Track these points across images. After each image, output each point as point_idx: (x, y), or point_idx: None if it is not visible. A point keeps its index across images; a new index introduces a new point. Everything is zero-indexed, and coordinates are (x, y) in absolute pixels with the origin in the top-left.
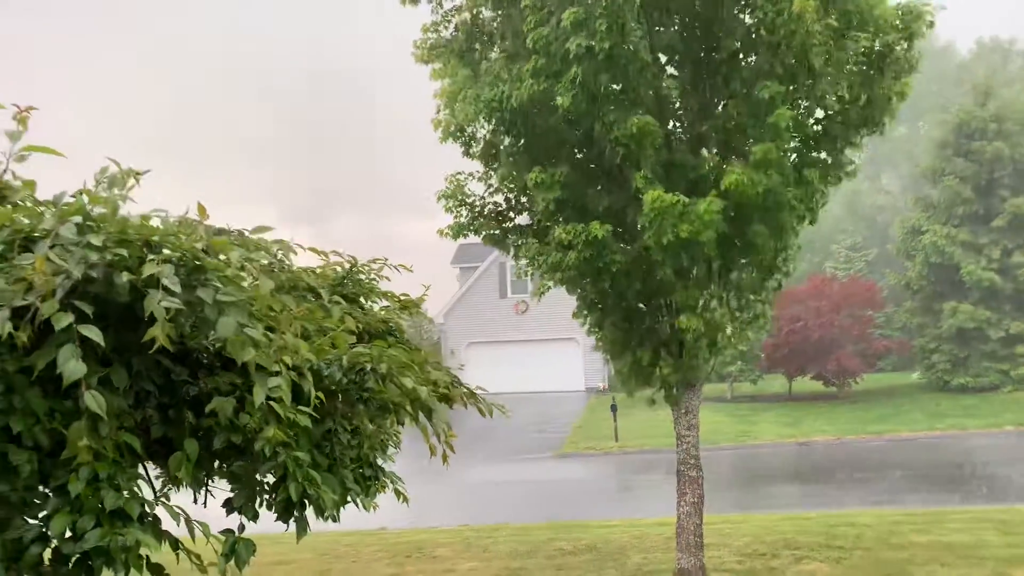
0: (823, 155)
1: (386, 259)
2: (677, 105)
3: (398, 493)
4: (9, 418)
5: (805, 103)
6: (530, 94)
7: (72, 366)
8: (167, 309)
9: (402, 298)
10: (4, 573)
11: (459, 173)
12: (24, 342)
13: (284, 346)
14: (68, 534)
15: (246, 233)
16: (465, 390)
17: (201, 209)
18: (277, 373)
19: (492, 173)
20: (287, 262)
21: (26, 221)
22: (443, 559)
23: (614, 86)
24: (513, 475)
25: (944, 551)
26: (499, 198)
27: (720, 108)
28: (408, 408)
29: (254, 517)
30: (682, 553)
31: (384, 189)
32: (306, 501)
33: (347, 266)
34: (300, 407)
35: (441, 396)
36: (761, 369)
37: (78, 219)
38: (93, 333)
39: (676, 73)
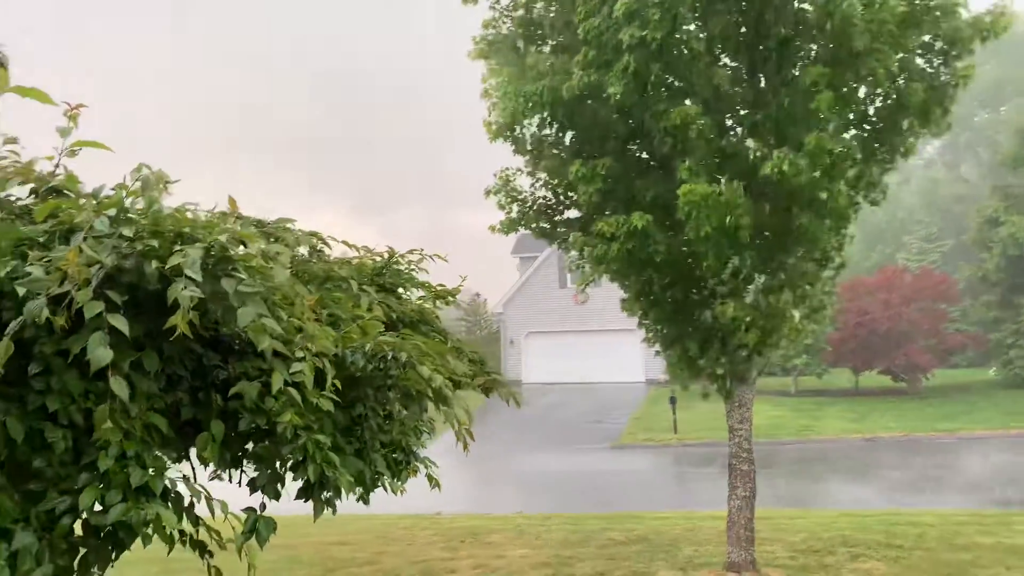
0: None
1: (422, 249)
2: (732, 95)
3: (430, 478)
4: (46, 398)
5: (856, 88)
6: (581, 85)
7: (100, 352)
8: (190, 298)
9: (437, 288)
10: (38, 543)
11: (507, 169)
12: (62, 326)
13: (311, 334)
14: (97, 508)
15: (283, 226)
16: (489, 379)
17: (232, 202)
18: (301, 359)
19: (538, 168)
20: (327, 252)
21: (71, 213)
22: (495, 545)
23: (666, 76)
24: (569, 465)
25: (1009, 554)
26: (547, 192)
27: (772, 96)
28: (430, 395)
29: (276, 496)
30: (732, 547)
31: (448, 182)
32: (325, 483)
33: (385, 257)
34: (324, 392)
35: (460, 384)
36: (827, 363)
37: (112, 212)
38: (120, 322)
39: (729, 62)
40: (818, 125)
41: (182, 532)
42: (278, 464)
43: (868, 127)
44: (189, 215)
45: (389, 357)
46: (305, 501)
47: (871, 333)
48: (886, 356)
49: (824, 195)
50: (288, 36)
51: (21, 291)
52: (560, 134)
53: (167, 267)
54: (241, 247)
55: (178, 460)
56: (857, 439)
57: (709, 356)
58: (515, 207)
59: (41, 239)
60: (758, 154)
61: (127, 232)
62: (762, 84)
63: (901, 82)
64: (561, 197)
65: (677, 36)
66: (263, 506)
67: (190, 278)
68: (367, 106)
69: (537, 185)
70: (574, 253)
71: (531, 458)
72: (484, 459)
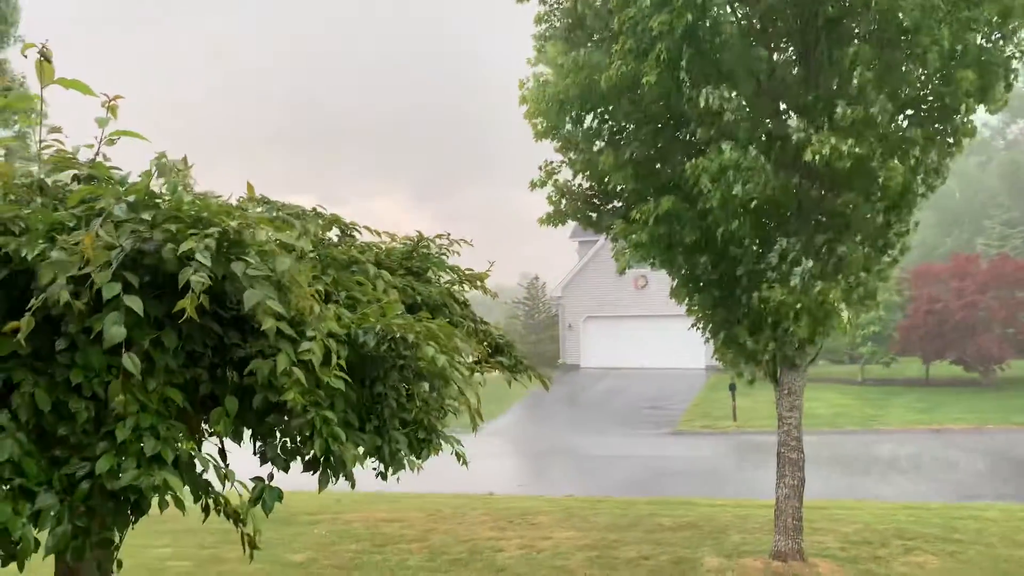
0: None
1: (449, 234)
2: (776, 78)
3: (459, 456)
4: (71, 372)
5: (905, 67)
6: (618, 75)
7: (115, 331)
8: (202, 281)
9: (465, 272)
10: (59, 504)
11: (551, 162)
12: (81, 308)
13: (316, 315)
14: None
15: (299, 211)
16: (512, 362)
17: (250, 188)
18: (312, 338)
19: (577, 160)
20: (356, 235)
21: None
22: (542, 526)
23: (702, 62)
24: (625, 450)
25: None
26: (592, 182)
27: (819, 78)
28: (447, 375)
29: (285, 468)
30: (779, 535)
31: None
32: (331, 457)
33: (414, 241)
34: (335, 371)
35: (471, 368)
36: (895, 352)
37: (131, 198)
38: (135, 303)
39: (773, 46)
40: (861, 103)
41: (216, 502)
42: (288, 438)
43: (924, 107)
44: (210, 201)
45: (397, 338)
46: (313, 474)
47: (942, 321)
48: (958, 345)
49: (880, 177)
50: (345, 22)
51: (46, 272)
52: (601, 125)
53: (180, 251)
54: (253, 232)
55: (196, 432)
56: (924, 430)
57: (757, 341)
58: (562, 200)
59: (71, 224)
60: (801, 136)
61: (146, 217)
62: (810, 65)
63: (955, 60)
64: (605, 187)
65: (704, 21)
66: (271, 476)
67: (199, 262)
68: (426, 92)
69: (582, 176)
70: (620, 242)
71: (587, 442)
72: (540, 442)
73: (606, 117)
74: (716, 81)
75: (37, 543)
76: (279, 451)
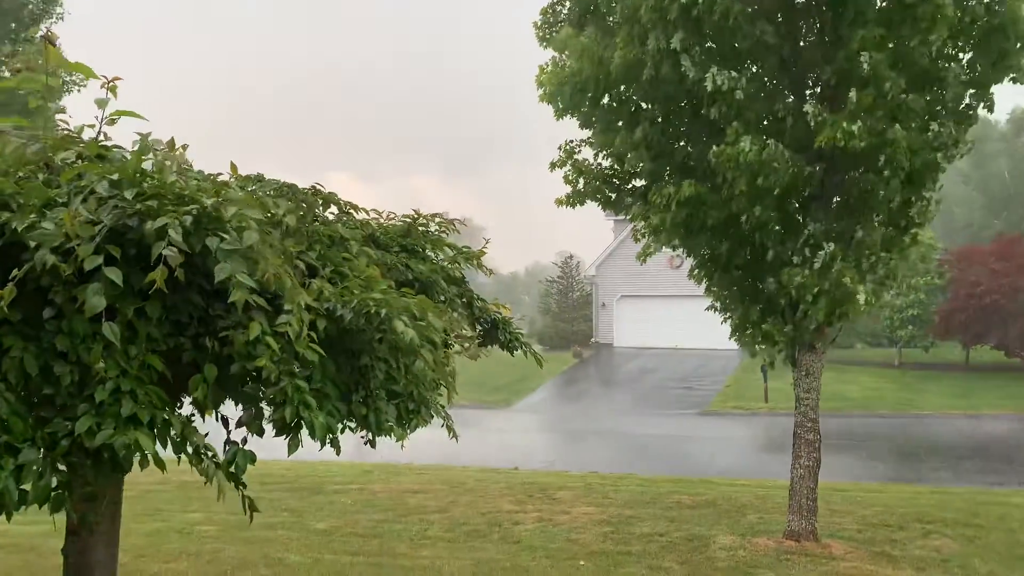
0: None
1: (446, 213)
2: (784, 59)
3: (449, 430)
4: (57, 338)
5: (912, 43)
6: (624, 63)
7: (94, 300)
8: (174, 255)
9: (463, 249)
10: (41, 459)
11: (571, 142)
12: (67, 276)
13: (297, 289)
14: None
15: (284, 186)
16: (467, 338)
17: (233, 168)
18: (289, 311)
19: (596, 141)
20: (351, 212)
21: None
22: (562, 501)
23: (706, 45)
24: (654, 429)
25: None
26: (611, 162)
27: (826, 59)
28: (412, 349)
29: (259, 432)
30: (793, 516)
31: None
32: (300, 423)
33: (412, 220)
34: (311, 343)
35: (448, 343)
36: (934, 335)
37: (115, 176)
38: (114, 274)
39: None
40: (873, 85)
41: (218, 464)
42: (264, 405)
43: (938, 80)
44: (192, 180)
45: (372, 312)
46: (285, 438)
47: (984, 305)
48: (1000, 330)
49: (895, 156)
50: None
51: (32, 243)
52: (619, 106)
53: (155, 227)
54: (232, 208)
55: (178, 398)
56: (960, 415)
57: (773, 323)
58: (581, 180)
59: (63, 200)
60: (818, 119)
61: (128, 195)
62: (819, 47)
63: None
64: (623, 167)
65: (695, 8)
66: (244, 440)
67: (172, 237)
68: (458, 74)
69: (601, 156)
70: (640, 223)
71: (617, 420)
72: (570, 419)
73: (622, 98)
74: (723, 63)
75: (23, 497)
76: (252, 417)
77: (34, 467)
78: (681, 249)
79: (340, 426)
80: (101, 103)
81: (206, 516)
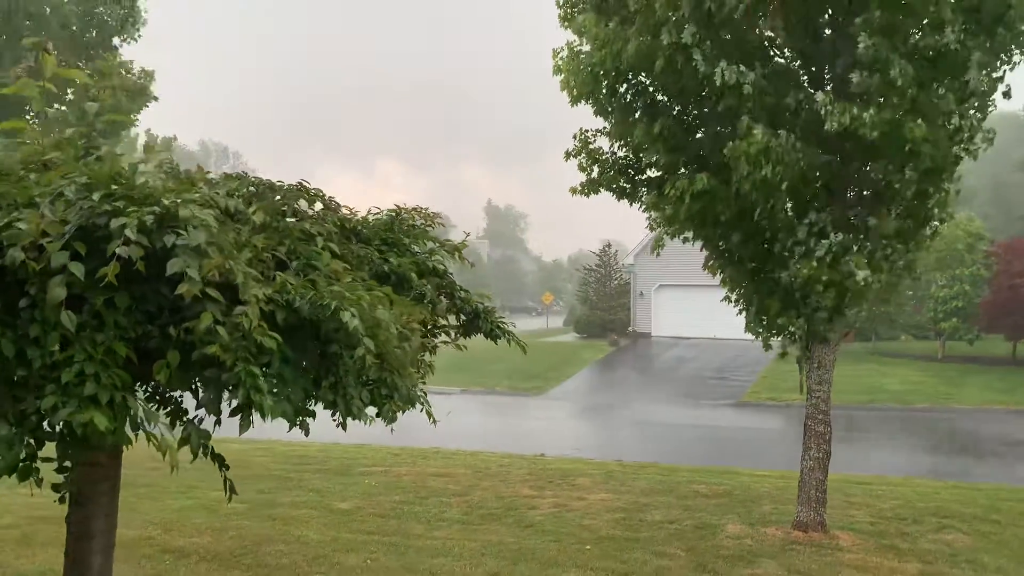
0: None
1: (427, 208)
2: (791, 50)
3: (429, 415)
4: (31, 326)
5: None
6: (637, 53)
7: (56, 292)
8: (127, 252)
9: (445, 243)
10: (11, 433)
11: (586, 130)
12: (43, 268)
13: (248, 282)
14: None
15: (255, 183)
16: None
17: (200, 169)
18: (247, 303)
19: (613, 131)
20: (335, 208)
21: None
22: (580, 488)
23: (709, 41)
24: (686, 419)
25: None
26: (627, 152)
27: (832, 48)
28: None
29: (216, 412)
30: (802, 507)
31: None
32: (252, 405)
33: (395, 214)
34: (266, 331)
35: (401, 336)
36: (981, 328)
37: (84, 179)
38: (77, 269)
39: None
40: (878, 70)
41: (205, 445)
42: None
43: (957, 67)
44: (158, 181)
45: (324, 304)
46: (242, 419)
47: None
48: None
49: (909, 144)
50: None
51: (6, 240)
52: (635, 97)
53: (113, 226)
54: (185, 209)
55: (145, 381)
56: (1001, 410)
57: (786, 315)
58: (596, 168)
59: (40, 199)
60: (828, 108)
61: (95, 197)
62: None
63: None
64: (639, 157)
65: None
66: (200, 420)
67: (128, 235)
68: (506, 52)
69: (617, 145)
70: (654, 214)
71: (650, 409)
72: (603, 408)
73: (639, 89)
74: (732, 57)
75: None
76: (210, 399)
77: (6, 440)
78: (693, 241)
79: (310, 409)
80: (91, 109)
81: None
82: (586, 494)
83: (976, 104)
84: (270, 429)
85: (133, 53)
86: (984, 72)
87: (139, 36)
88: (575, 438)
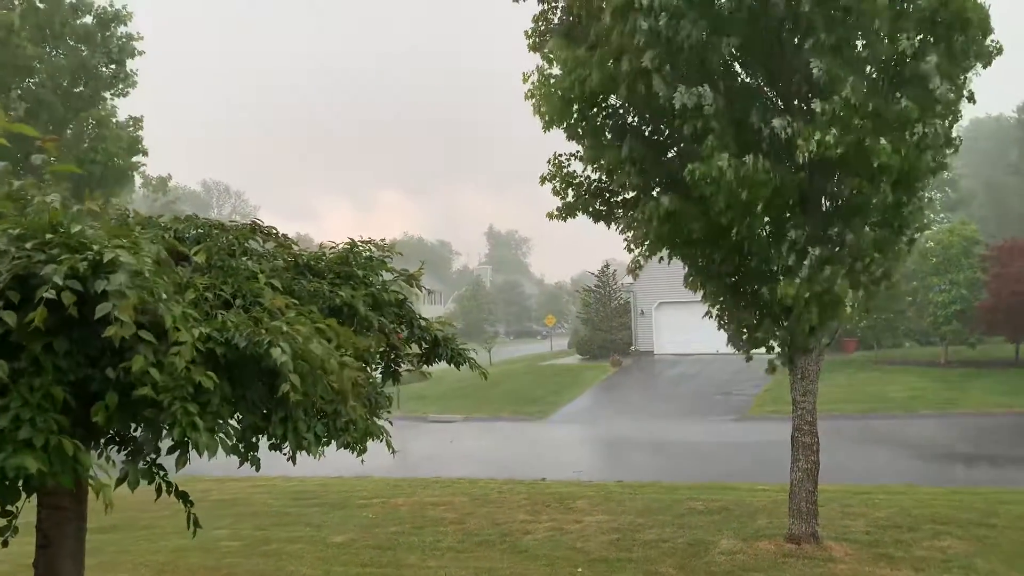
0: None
1: (383, 239)
2: (752, 74)
3: (388, 445)
4: None
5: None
6: (600, 79)
7: None
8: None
9: (401, 272)
10: None
11: (560, 155)
12: None
13: (175, 324)
14: None
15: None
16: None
17: (136, 213)
18: (183, 343)
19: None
20: (288, 246)
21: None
22: (577, 510)
23: (668, 65)
24: (690, 436)
25: None
26: (601, 174)
27: (788, 71)
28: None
29: (154, 451)
30: (793, 519)
31: None
32: (187, 442)
33: (348, 248)
34: (202, 370)
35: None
36: (982, 332)
37: (16, 231)
38: (9, 317)
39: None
40: (836, 92)
41: (168, 484)
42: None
43: (916, 78)
44: (89, 231)
45: (258, 341)
46: (179, 457)
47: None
48: None
49: (877, 160)
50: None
51: None
52: (605, 120)
53: (41, 273)
54: (114, 255)
55: (77, 424)
56: (1004, 413)
57: (764, 328)
58: (571, 192)
59: None
60: (788, 132)
61: (27, 247)
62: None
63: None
64: (612, 180)
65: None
66: (147, 460)
67: (55, 282)
68: (505, 85)
69: (591, 168)
70: (630, 234)
71: (654, 428)
72: (605, 429)
73: (610, 112)
74: (691, 81)
75: None
76: (148, 438)
77: None
78: (669, 260)
79: (254, 443)
80: (44, 162)
81: (232, 532)
82: (582, 516)
83: (939, 112)
84: (273, 466)
85: (129, 99)
86: (944, 80)
87: (128, 92)
88: (577, 461)
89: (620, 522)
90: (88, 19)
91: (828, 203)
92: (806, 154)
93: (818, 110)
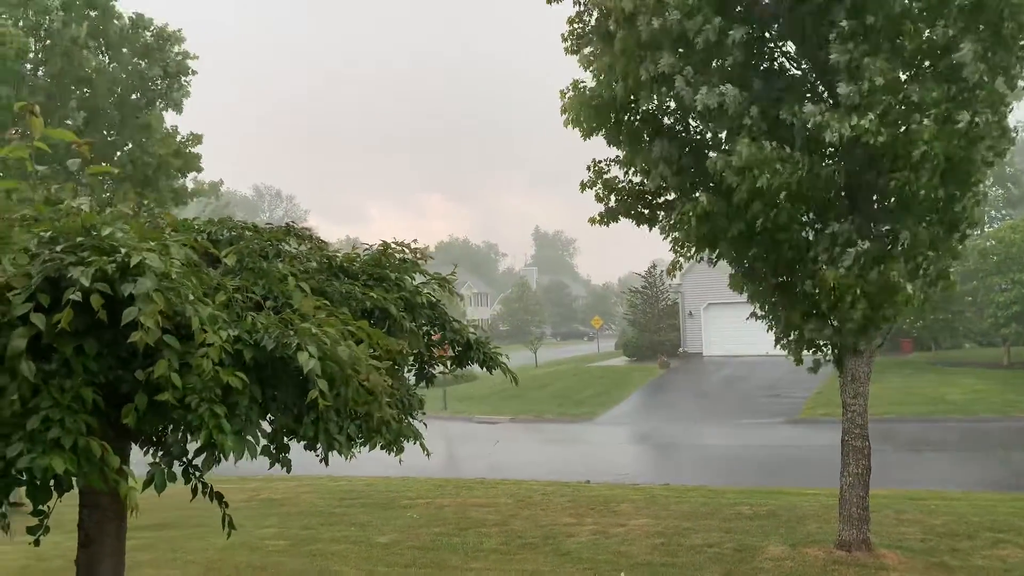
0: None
1: (415, 240)
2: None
3: (422, 446)
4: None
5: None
6: (625, 88)
7: (16, 343)
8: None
9: (435, 275)
10: None
11: (600, 161)
12: (4, 321)
13: (208, 326)
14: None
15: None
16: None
17: (168, 216)
18: (210, 345)
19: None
20: (322, 247)
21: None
22: (621, 514)
23: (689, 67)
24: (738, 439)
25: None
26: (641, 179)
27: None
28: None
29: (182, 454)
30: (844, 525)
31: None
32: (214, 445)
33: (381, 250)
34: (233, 372)
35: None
36: None
37: (47, 233)
38: (38, 320)
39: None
40: (863, 78)
41: (204, 484)
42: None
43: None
44: (119, 233)
45: (285, 343)
46: (206, 459)
47: None
48: None
49: (918, 149)
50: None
51: None
52: (642, 125)
53: (68, 276)
54: (136, 258)
55: (110, 426)
56: None
57: (812, 328)
58: (612, 197)
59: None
60: (818, 120)
61: (58, 249)
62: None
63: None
64: (649, 183)
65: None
66: (170, 462)
67: (82, 283)
68: (545, 88)
69: (631, 173)
70: (675, 235)
71: (701, 431)
72: (652, 431)
73: (644, 116)
74: (715, 79)
75: None
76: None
77: None
78: (713, 261)
79: (286, 444)
80: (74, 164)
81: (279, 531)
82: (627, 520)
83: (982, 99)
84: (320, 466)
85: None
86: (985, 68)
87: (183, 101)
88: (623, 464)
89: (665, 526)
90: (147, 35)
91: (876, 198)
92: (834, 136)
93: (842, 93)
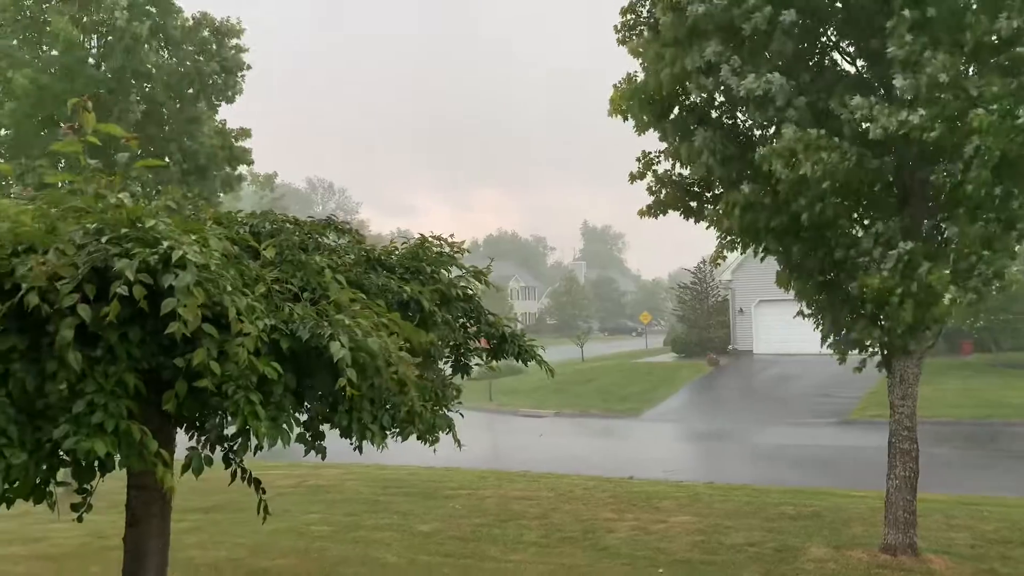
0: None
1: (453, 234)
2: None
3: (455, 437)
4: (48, 362)
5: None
6: (671, 76)
7: (64, 333)
8: (124, 290)
9: (471, 268)
10: (27, 461)
11: (649, 153)
12: (50, 312)
13: (243, 316)
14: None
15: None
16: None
17: (208, 209)
18: (247, 334)
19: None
20: (360, 241)
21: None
22: (663, 510)
23: (736, 56)
24: (787, 439)
25: None
26: (688, 170)
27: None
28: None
29: (219, 440)
30: (889, 529)
31: None
32: (248, 431)
33: (419, 243)
34: (269, 361)
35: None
36: None
37: (93, 224)
38: (84, 311)
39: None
40: (919, 70)
41: (243, 470)
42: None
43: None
44: (162, 225)
45: (319, 333)
46: (241, 443)
47: None
48: None
49: (975, 141)
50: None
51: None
52: (689, 115)
53: (115, 268)
54: (183, 251)
55: (152, 411)
56: None
57: (860, 328)
58: (663, 190)
59: (60, 247)
60: (865, 112)
61: (102, 240)
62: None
63: None
64: (692, 173)
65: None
66: (204, 445)
67: (127, 276)
68: (601, 83)
69: (680, 165)
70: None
71: (749, 429)
72: (699, 429)
73: (692, 107)
74: (761, 67)
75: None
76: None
77: (24, 467)
78: (760, 254)
79: (321, 432)
80: (121, 159)
81: (324, 517)
82: (667, 516)
83: None
84: (365, 455)
85: (238, 102)
86: None
87: (235, 98)
88: (667, 460)
89: (706, 524)
90: (205, 32)
91: (930, 194)
92: (878, 132)
93: (899, 87)
